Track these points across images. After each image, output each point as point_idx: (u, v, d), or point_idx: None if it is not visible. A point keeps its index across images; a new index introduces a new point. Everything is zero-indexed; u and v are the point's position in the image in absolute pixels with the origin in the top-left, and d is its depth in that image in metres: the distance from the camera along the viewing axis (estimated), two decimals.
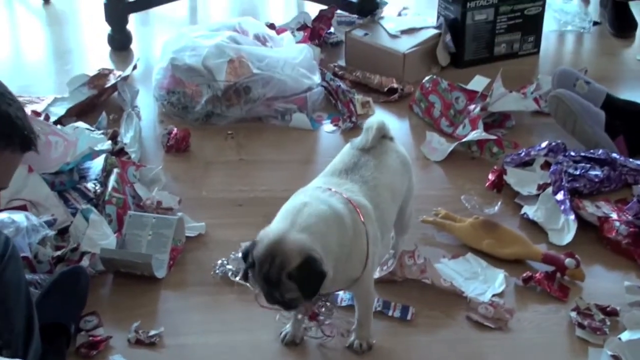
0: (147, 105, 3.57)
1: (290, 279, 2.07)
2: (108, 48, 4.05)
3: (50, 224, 2.63)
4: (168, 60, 3.48)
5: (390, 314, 2.51)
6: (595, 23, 4.39)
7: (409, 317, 2.50)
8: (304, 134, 3.43)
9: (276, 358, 2.37)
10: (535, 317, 2.53)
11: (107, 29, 4.03)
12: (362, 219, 2.21)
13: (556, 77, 3.38)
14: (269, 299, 2.17)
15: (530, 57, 4.05)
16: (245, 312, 2.51)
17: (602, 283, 2.67)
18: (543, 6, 3.99)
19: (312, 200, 2.19)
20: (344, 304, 2.52)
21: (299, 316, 2.39)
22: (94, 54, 4.04)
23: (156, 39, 4.15)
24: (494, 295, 2.57)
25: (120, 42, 4.04)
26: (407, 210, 2.61)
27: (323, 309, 2.45)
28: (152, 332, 2.42)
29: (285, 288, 2.09)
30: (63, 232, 2.68)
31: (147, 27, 4.41)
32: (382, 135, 2.45)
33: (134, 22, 4.23)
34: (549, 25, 4.27)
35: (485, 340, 2.44)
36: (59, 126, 3.05)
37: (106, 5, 3.97)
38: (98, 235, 2.63)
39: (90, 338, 2.39)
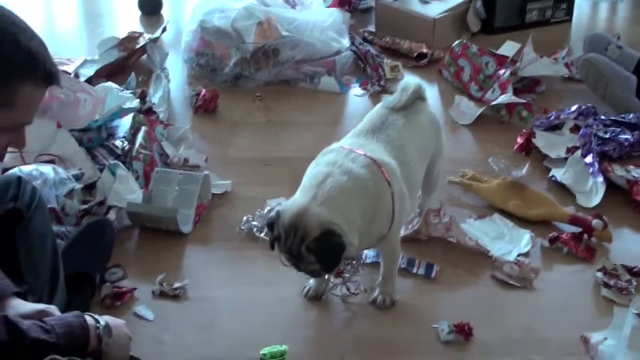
0: (176, 68, 3.59)
1: (309, 251, 2.09)
2: (139, 12, 4.07)
3: (77, 178, 2.65)
4: (197, 22, 3.48)
5: (414, 271, 2.50)
6: None
7: (433, 275, 2.50)
8: (333, 97, 3.42)
9: (299, 312, 2.38)
10: (561, 277, 2.52)
11: None
12: (387, 178, 2.21)
13: (588, 41, 3.34)
14: (295, 268, 2.19)
15: (562, 25, 4.01)
16: (269, 268, 2.51)
17: (630, 245, 2.65)
18: None
19: (334, 169, 2.18)
20: (368, 260, 2.52)
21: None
22: (125, 18, 4.07)
23: (187, 4, 4.15)
24: (519, 255, 2.55)
25: (150, 6, 4.06)
26: (435, 170, 2.59)
27: (349, 267, 2.45)
28: (177, 285, 2.44)
29: (307, 260, 2.12)
30: (90, 187, 2.70)
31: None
32: (418, 96, 2.45)
33: None
34: None
35: (509, 299, 2.44)
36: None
37: None
38: (125, 190, 2.65)
39: (115, 289, 2.40)
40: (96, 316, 1.88)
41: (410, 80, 2.51)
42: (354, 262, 2.47)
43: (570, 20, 4.03)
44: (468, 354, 2.25)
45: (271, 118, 3.29)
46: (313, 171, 2.22)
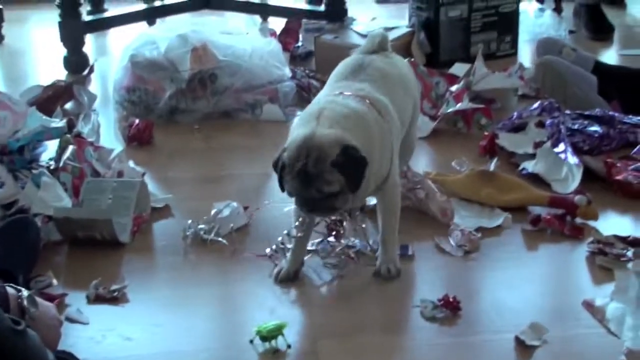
0: (106, 110, 3.31)
1: (334, 167, 1.92)
2: (65, 72, 3.82)
3: None
4: (127, 58, 3.25)
5: None
6: (570, 32, 4.25)
7: (410, 253, 2.26)
8: (277, 125, 3.17)
9: (252, 305, 2.08)
10: (550, 254, 2.29)
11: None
12: (382, 114, 2.10)
13: (541, 45, 3.21)
14: (304, 203, 2.00)
15: (508, 59, 3.88)
16: (219, 268, 2.24)
17: (616, 227, 2.39)
18: (517, 3, 3.86)
19: (329, 105, 2.06)
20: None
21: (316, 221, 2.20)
22: (50, 79, 3.80)
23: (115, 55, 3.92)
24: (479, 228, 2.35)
25: (76, 64, 3.81)
26: (413, 128, 2.45)
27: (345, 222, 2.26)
28: (115, 287, 2.10)
29: (326, 180, 1.94)
30: (11, 206, 2.38)
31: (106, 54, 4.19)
32: (384, 47, 2.37)
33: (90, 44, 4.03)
34: (524, 36, 4.12)
35: (497, 273, 2.20)
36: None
37: (61, 25, 3.77)
38: (52, 198, 2.34)
39: (43, 296, 2.05)
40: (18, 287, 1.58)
41: (376, 30, 2.44)
42: (357, 213, 2.28)
43: (515, 53, 3.91)
44: (456, 329, 1.95)
45: (212, 145, 3.03)
46: (305, 112, 2.09)
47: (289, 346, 1.87)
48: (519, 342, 1.88)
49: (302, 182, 1.94)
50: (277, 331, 1.87)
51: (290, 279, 2.13)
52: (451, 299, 2.00)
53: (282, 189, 2.02)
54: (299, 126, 2.04)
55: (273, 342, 1.87)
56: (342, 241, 2.25)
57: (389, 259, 2.13)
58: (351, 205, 2.07)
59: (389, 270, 2.12)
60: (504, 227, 2.37)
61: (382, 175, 2.08)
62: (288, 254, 2.17)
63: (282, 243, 2.23)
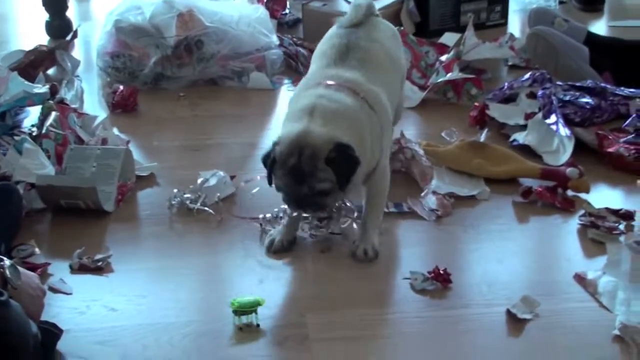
0: (90, 77, 3.24)
1: (328, 164, 1.91)
2: (47, 37, 3.74)
3: None
4: (112, 23, 3.18)
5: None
6: (561, 2, 4.19)
7: (405, 209, 2.28)
8: (264, 93, 3.12)
9: (239, 277, 2.05)
10: (541, 227, 2.26)
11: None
12: (373, 106, 2.08)
13: (532, 15, 3.15)
14: (293, 200, 1.98)
15: (498, 29, 3.82)
16: (205, 238, 2.20)
17: (608, 199, 2.36)
18: None
19: (320, 100, 2.02)
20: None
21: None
22: (32, 44, 3.73)
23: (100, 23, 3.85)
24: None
25: (59, 29, 3.73)
26: (400, 93, 2.45)
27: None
28: (99, 256, 2.06)
29: (319, 178, 1.93)
30: None
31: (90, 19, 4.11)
32: (371, 13, 2.35)
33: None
34: (514, 6, 4.06)
35: (486, 247, 2.16)
36: None
37: None
38: (34, 165, 2.29)
39: (25, 265, 2.00)
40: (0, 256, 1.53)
41: None
42: (347, 204, 2.23)
43: (505, 23, 3.86)
44: (446, 302, 1.93)
45: (198, 113, 2.97)
46: (297, 105, 2.05)
47: (257, 325, 1.83)
48: (511, 315, 1.86)
49: (294, 178, 1.93)
50: (249, 307, 1.84)
51: (284, 249, 2.10)
52: (441, 271, 1.97)
53: (270, 183, 2.00)
54: (291, 121, 2.01)
55: (244, 317, 1.83)
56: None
57: (367, 241, 2.08)
58: (339, 201, 2.08)
59: (365, 252, 2.07)
60: (479, 198, 2.35)
61: (371, 166, 2.06)
62: (281, 225, 2.13)
63: (277, 214, 2.20)
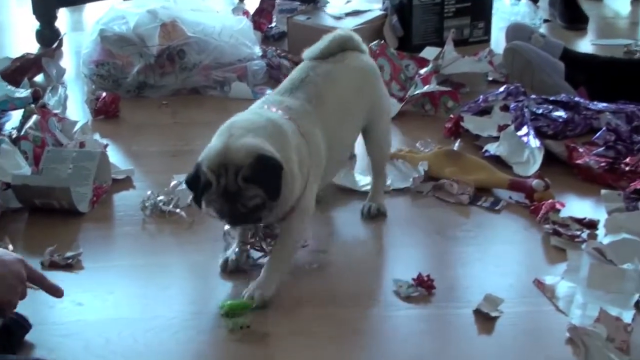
0: (75, 84, 3.30)
1: (246, 182, 1.86)
2: (37, 45, 3.80)
3: None
4: (97, 32, 3.24)
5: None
6: (546, 21, 4.25)
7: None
8: (245, 103, 3.11)
9: (213, 276, 2.08)
10: (506, 234, 2.30)
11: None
12: (304, 135, 2.02)
13: (510, 31, 3.21)
14: (232, 218, 1.94)
15: (481, 45, 3.87)
16: (176, 239, 2.25)
17: (575, 210, 2.40)
18: None
19: (248, 115, 2.04)
20: None
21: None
22: (22, 52, 3.78)
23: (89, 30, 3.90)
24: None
25: (49, 38, 3.79)
26: (378, 129, 2.32)
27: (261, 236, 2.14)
28: (69, 254, 2.11)
29: (247, 195, 1.88)
30: None
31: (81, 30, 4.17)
32: (343, 48, 2.25)
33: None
34: (499, 23, 4.12)
35: (454, 253, 2.21)
36: None
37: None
38: (11, 166, 2.33)
39: None
40: None
41: (339, 30, 2.32)
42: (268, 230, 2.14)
43: (488, 40, 3.92)
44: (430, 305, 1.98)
45: (178, 120, 3.02)
46: (223, 125, 2.01)
47: (245, 327, 1.84)
48: (479, 314, 1.90)
49: (226, 200, 1.88)
50: (239, 309, 1.87)
51: (238, 269, 2.07)
52: (425, 278, 2.01)
53: (200, 206, 1.93)
54: (215, 137, 1.98)
55: (234, 320, 1.86)
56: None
57: (262, 286, 1.94)
58: (277, 215, 1.98)
59: (252, 297, 1.92)
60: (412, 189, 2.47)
61: (289, 200, 1.96)
62: (232, 245, 2.11)
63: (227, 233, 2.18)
